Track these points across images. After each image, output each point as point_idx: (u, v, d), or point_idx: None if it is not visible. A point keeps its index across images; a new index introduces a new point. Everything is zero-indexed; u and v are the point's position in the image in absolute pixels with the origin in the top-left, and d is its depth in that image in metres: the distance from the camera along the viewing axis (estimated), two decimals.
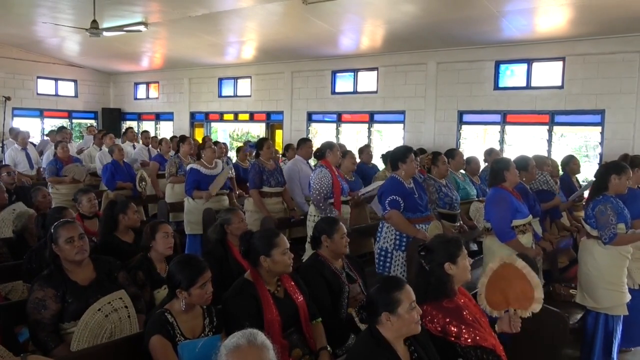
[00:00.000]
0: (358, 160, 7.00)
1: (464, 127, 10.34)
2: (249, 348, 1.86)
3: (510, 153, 9.11)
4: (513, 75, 9.74)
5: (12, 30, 11.82)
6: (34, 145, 10.13)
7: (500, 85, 9.77)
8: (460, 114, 10.20)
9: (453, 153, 6.08)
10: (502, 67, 9.75)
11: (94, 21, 8.19)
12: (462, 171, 6.29)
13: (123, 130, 12.12)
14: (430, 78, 10.37)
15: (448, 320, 2.61)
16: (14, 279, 3.85)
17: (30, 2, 9.63)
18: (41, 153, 9.53)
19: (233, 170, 7.90)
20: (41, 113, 14.91)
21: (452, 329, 2.59)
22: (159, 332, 2.50)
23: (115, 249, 3.94)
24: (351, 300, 3.33)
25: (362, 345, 2.36)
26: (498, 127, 9.94)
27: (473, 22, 8.52)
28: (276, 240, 2.94)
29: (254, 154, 6.60)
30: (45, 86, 14.92)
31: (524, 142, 10.14)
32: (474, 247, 5.84)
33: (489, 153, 7.17)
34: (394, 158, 4.64)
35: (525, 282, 2.84)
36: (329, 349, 2.95)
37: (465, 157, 6.36)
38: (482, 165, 7.02)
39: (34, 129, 14.11)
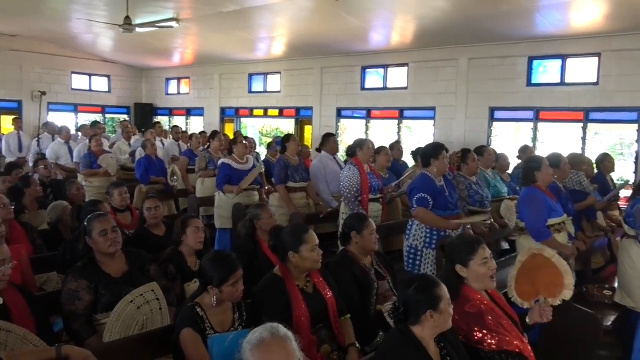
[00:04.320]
0: None
1: (495, 124, 10.18)
2: (273, 340, 1.86)
3: (543, 151, 8.92)
4: (546, 72, 9.53)
5: (48, 27, 12.09)
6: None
7: (534, 81, 9.57)
8: (492, 110, 10.03)
9: (483, 150, 6.00)
10: (536, 63, 9.54)
11: (127, 17, 8.32)
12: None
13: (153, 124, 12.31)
14: (461, 74, 10.23)
15: (470, 325, 2.57)
16: (49, 270, 3.95)
17: None
18: None
19: (263, 165, 7.95)
20: (75, 108, 15.23)
21: (475, 334, 2.55)
22: (190, 326, 2.53)
23: (147, 242, 4.01)
24: (380, 298, 3.31)
25: (392, 343, 2.34)
26: (531, 124, 9.75)
27: (506, 17, 8.36)
28: (305, 237, 2.94)
29: (278, 150, 6.62)
30: (79, 81, 15.23)
31: (557, 139, 9.93)
32: (506, 245, 5.75)
33: (524, 151, 7.05)
34: (426, 154, 4.59)
35: (555, 270, 2.79)
36: (357, 345, 2.94)
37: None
38: (516, 162, 6.90)
39: (69, 123, 14.41)
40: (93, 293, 2.94)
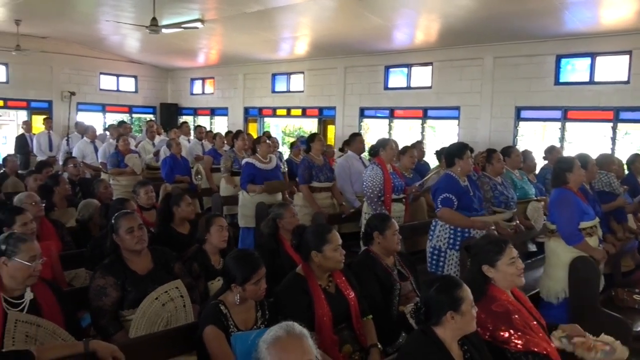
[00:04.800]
0: None
1: (521, 123, 10.04)
2: (289, 338, 1.88)
3: (571, 151, 8.76)
4: (575, 70, 9.37)
5: (77, 29, 12.34)
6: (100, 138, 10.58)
7: (561, 80, 9.41)
8: (518, 110, 9.90)
9: (509, 151, 5.90)
10: (564, 61, 9.38)
11: (154, 19, 8.42)
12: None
13: (179, 124, 12.46)
14: (486, 73, 10.11)
15: (497, 324, 2.54)
16: (77, 266, 4.03)
17: (94, 1, 10.05)
18: None
19: (285, 165, 7.98)
20: (103, 108, 15.53)
21: (502, 334, 2.52)
22: (213, 323, 2.56)
23: (172, 240, 4.07)
24: (402, 298, 3.30)
25: (415, 344, 2.33)
26: (558, 124, 9.59)
27: (533, 15, 8.23)
28: (328, 236, 2.94)
29: (303, 149, 6.63)
30: (107, 82, 15.52)
31: (585, 139, 9.74)
32: (533, 247, 5.66)
33: (550, 151, 6.92)
34: (450, 154, 4.55)
35: None
36: (379, 346, 2.94)
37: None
38: (542, 163, 6.79)
39: (97, 123, 14.70)
40: (120, 289, 2.99)
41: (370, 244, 3.43)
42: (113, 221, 3.17)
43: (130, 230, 3.08)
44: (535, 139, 10.48)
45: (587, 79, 9.13)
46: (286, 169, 7.77)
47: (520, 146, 9.35)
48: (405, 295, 3.32)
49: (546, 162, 6.72)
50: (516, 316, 2.58)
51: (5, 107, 14.25)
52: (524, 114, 9.92)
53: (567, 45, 9.14)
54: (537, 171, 6.67)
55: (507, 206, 5.10)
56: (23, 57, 12.01)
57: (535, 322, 2.66)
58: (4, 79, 13.59)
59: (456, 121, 10.71)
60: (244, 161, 6.32)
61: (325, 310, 2.83)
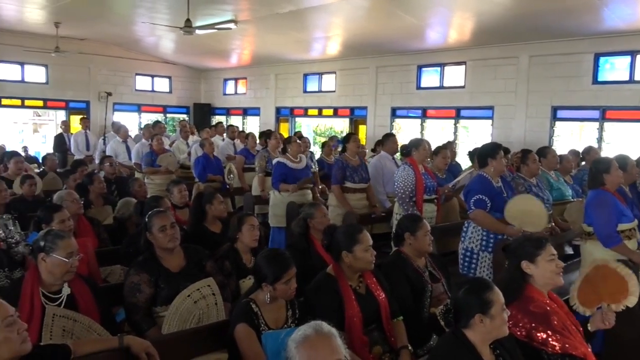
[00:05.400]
0: None
1: (557, 123, 9.82)
2: (317, 337, 1.88)
3: (609, 152, 8.52)
4: (614, 69, 9.13)
5: (114, 30, 12.63)
6: (132, 138, 10.80)
7: (600, 79, 9.17)
8: (554, 109, 9.68)
9: (545, 151, 5.78)
10: (602, 59, 9.14)
11: (188, 20, 8.54)
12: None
13: (212, 124, 12.63)
14: (521, 72, 9.92)
15: (534, 325, 2.48)
16: (113, 262, 4.12)
17: (130, 3, 10.26)
18: None
19: (316, 164, 7.99)
20: (138, 108, 15.85)
21: (539, 335, 2.46)
22: (244, 321, 2.58)
23: (204, 238, 4.12)
24: (434, 300, 3.26)
25: (446, 347, 2.30)
26: (596, 124, 9.35)
27: (571, 12, 8.04)
28: (359, 237, 2.93)
29: (339, 149, 6.61)
30: (142, 82, 15.83)
31: (624, 140, 9.45)
32: (569, 250, 5.53)
33: (587, 152, 6.75)
34: (483, 154, 4.48)
35: (619, 278, 2.72)
36: (410, 348, 2.91)
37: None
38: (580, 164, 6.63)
39: (132, 123, 15.02)
40: (153, 286, 3.04)
41: (402, 244, 3.40)
42: (146, 219, 3.23)
43: (163, 228, 3.13)
44: (571, 139, 10.22)
45: (626, 78, 8.87)
46: (317, 169, 7.77)
47: (557, 147, 9.15)
48: (436, 297, 3.28)
49: (583, 162, 6.56)
50: (555, 317, 2.53)
51: (44, 107, 14.71)
52: (561, 113, 9.69)
53: (606, 43, 8.89)
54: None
55: None
56: (62, 58, 12.36)
57: (571, 325, 2.60)
58: (43, 80, 14.01)
59: (490, 121, 10.54)
60: (274, 161, 6.35)
61: (356, 310, 2.82)
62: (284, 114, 14.88)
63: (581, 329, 2.66)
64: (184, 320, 2.94)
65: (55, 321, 2.57)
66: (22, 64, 13.56)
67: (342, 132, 13.60)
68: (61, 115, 14.87)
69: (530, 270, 2.63)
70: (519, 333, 2.49)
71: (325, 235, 3.15)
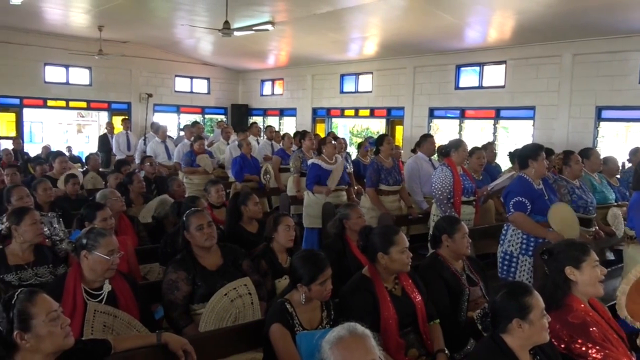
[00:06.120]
0: None
1: (602, 124, 9.49)
2: (352, 338, 1.88)
3: None
4: None
5: (155, 33, 12.91)
6: (172, 139, 11.03)
7: None
8: (599, 109, 9.37)
9: (588, 152, 5.60)
10: None
11: (226, 22, 8.64)
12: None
13: (248, 125, 12.74)
14: (564, 71, 9.65)
15: (573, 337, 2.41)
16: (152, 260, 4.20)
17: (171, 6, 10.46)
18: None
19: (352, 165, 7.97)
20: (178, 109, 16.16)
21: (578, 347, 2.39)
22: (279, 321, 2.58)
23: (240, 238, 4.16)
24: (471, 304, 3.20)
25: (484, 352, 2.25)
26: None
27: (617, 9, 7.77)
28: (395, 238, 2.91)
29: (373, 150, 6.57)
30: (181, 84, 16.13)
31: None
32: (611, 256, 5.33)
33: (634, 153, 6.52)
34: (524, 155, 4.36)
35: None
36: (446, 351, 2.87)
37: (602, 157, 5.83)
38: (626, 165, 6.40)
39: (171, 123, 15.32)
40: (190, 284, 3.09)
41: (439, 247, 3.35)
42: (184, 218, 3.28)
43: (200, 227, 3.18)
44: (617, 140, 9.89)
45: None
46: (352, 169, 7.75)
47: (601, 148, 8.87)
48: (474, 301, 3.22)
49: (630, 164, 6.33)
50: (594, 328, 2.43)
51: (88, 108, 15.16)
52: (606, 114, 9.38)
53: None
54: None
55: (585, 211, 4.84)
56: (105, 61, 12.70)
57: (615, 335, 2.50)
58: (87, 82, 14.43)
59: (531, 121, 10.29)
60: (309, 162, 6.36)
61: (391, 312, 2.79)
62: (321, 114, 14.90)
63: (624, 334, 2.56)
64: (221, 318, 2.97)
65: (97, 317, 2.64)
66: (67, 66, 14.01)
67: (378, 132, 13.52)
68: (104, 116, 15.32)
69: (575, 276, 2.55)
70: (557, 344, 2.42)
71: (360, 236, 3.14)
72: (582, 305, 2.53)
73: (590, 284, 2.55)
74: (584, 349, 2.38)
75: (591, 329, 2.43)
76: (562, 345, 2.41)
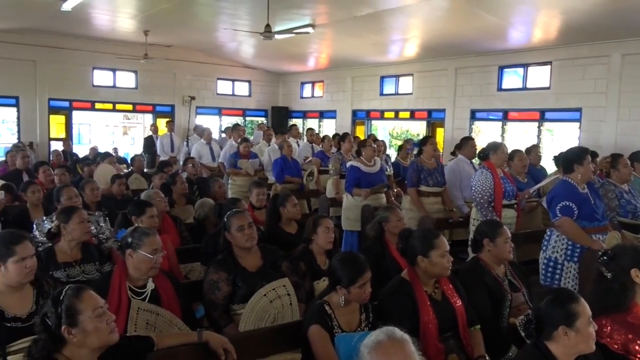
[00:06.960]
0: None
1: None
2: (390, 342, 1.87)
3: None
4: None
5: (198, 37, 13.17)
6: (216, 140, 11.24)
7: None
8: None
9: (638, 156, 5.41)
10: None
11: (267, 25, 8.73)
12: None
13: (288, 127, 12.84)
14: (613, 72, 9.32)
15: (631, 337, 2.34)
16: (194, 260, 4.28)
17: (214, 11, 10.65)
18: (221, 148, 10.50)
19: (391, 167, 7.91)
20: (219, 111, 16.41)
21: (637, 347, 2.32)
22: (318, 322, 2.59)
23: (280, 239, 4.19)
24: (513, 310, 3.13)
25: (527, 359, 2.20)
26: None
27: None
28: (435, 242, 2.87)
29: (415, 152, 6.52)
30: (223, 87, 16.37)
31: None
32: None
33: None
34: (568, 159, 4.23)
35: None
36: (487, 358, 2.82)
37: None
38: None
39: (213, 126, 15.58)
40: (231, 284, 3.14)
41: (480, 251, 3.29)
42: (225, 219, 3.33)
43: (241, 228, 3.22)
44: None
45: None
46: (391, 172, 7.70)
47: None
48: (516, 307, 3.14)
49: None
50: None
51: (134, 110, 15.60)
52: None
53: None
54: None
55: (634, 216, 4.67)
56: (150, 64, 13.03)
57: None
58: (133, 85, 14.84)
59: (577, 124, 9.98)
60: (348, 164, 6.36)
61: (431, 317, 2.76)
62: (360, 116, 14.86)
63: None
64: (260, 318, 3.00)
65: (140, 314, 2.71)
66: (114, 70, 14.43)
67: (418, 135, 13.39)
68: (148, 118, 15.72)
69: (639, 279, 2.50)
70: (615, 346, 2.37)
71: (400, 239, 3.11)
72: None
73: None
74: None
75: None
76: (616, 346, 2.37)
